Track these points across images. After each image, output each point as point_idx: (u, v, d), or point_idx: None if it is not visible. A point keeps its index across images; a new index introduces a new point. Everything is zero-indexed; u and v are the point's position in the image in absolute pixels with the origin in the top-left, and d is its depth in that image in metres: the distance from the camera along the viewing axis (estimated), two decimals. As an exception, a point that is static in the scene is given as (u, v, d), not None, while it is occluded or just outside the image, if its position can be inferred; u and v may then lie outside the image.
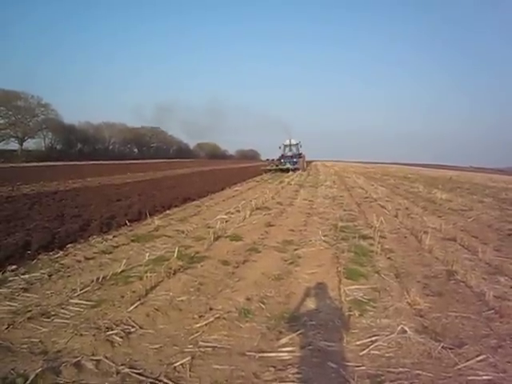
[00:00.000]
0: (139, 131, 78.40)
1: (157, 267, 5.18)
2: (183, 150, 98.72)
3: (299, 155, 33.55)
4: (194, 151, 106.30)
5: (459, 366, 2.97)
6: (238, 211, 10.05)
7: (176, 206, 11.23)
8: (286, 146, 34.25)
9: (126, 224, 8.28)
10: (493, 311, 3.97)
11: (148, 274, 4.65)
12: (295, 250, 6.44)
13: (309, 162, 61.38)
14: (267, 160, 35.53)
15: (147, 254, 5.72)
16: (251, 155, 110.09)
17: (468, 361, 3.03)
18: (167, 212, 10.22)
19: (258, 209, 10.78)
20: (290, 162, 32.42)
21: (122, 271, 5.08)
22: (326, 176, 28.51)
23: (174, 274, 5.01)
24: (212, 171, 33.40)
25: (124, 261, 5.33)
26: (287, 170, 31.03)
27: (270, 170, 31.75)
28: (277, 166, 32.28)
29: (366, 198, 14.11)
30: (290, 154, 33.64)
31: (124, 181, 19.85)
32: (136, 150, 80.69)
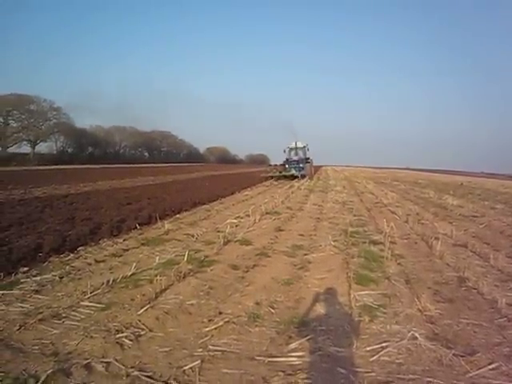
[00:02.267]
0: (150, 135, 78.98)
1: (167, 271, 5.20)
2: (193, 154, 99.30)
3: (306, 160, 29.65)
4: (204, 155, 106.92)
5: (471, 374, 2.93)
6: (248, 215, 10.04)
7: (186, 210, 11.26)
8: (291, 149, 30.15)
9: (136, 227, 8.32)
10: (505, 319, 3.91)
11: (158, 278, 4.68)
12: (305, 254, 6.42)
13: (318, 167, 61.26)
14: (269, 166, 31.43)
15: (157, 258, 5.76)
16: (260, 160, 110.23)
17: (480, 369, 2.99)
18: (177, 216, 10.25)
19: (267, 213, 10.79)
20: (296, 168, 28.59)
21: (132, 274, 5.11)
22: (336, 181, 28.51)
23: (183, 277, 5.03)
24: (222, 175, 33.41)
25: (134, 264, 5.35)
26: (292, 177, 27.66)
27: (272, 178, 28.15)
28: (280, 172, 28.50)
29: (377, 203, 14.04)
30: (295, 158, 29.48)
31: (134, 184, 20.00)
32: (146, 153, 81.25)
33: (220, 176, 32.50)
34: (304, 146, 30.31)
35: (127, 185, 19.68)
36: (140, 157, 76.86)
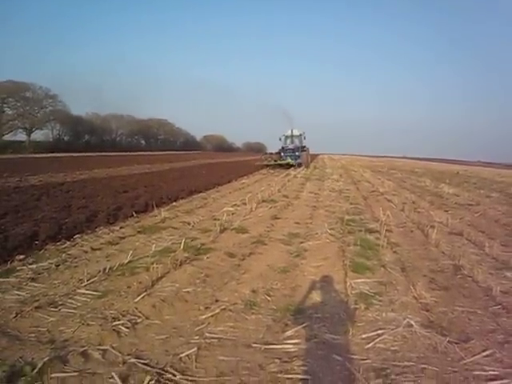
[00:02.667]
0: (146, 123, 78.36)
1: (163, 258, 5.20)
2: (190, 142, 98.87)
3: (302, 148, 29.02)
4: (201, 143, 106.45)
5: (465, 361, 2.96)
6: (244, 204, 10.05)
7: (182, 198, 11.25)
8: (287, 137, 29.59)
9: (132, 215, 8.31)
10: (500, 306, 3.94)
11: (154, 266, 4.67)
12: (301, 242, 6.44)
13: (315, 156, 61.10)
14: (264, 154, 30.58)
15: (153, 246, 5.76)
16: (257, 148, 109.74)
17: (474, 356, 3.02)
18: (174, 204, 10.24)
19: (263, 201, 10.80)
20: (292, 156, 27.93)
21: (129, 262, 5.11)
22: (333, 169, 28.46)
23: (180, 265, 5.02)
24: (218, 163, 33.31)
25: (130, 252, 5.35)
26: (288, 166, 27.03)
27: (267, 166, 27.44)
28: (275, 161, 27.79)
29: (373, 191, 14.07)
30: (291, 146, 28.81)
31: (131, 172, 19.94)
32: (143, 141, 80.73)
33: (217, 164, 32.44)
34: (300, 134, 29.72)
35: (124, 173, 19.60)
36: (137, 145, 76.48)
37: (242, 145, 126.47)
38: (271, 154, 29.72)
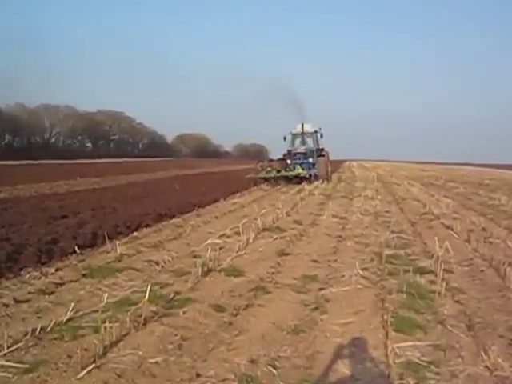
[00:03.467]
0: (94, 117, 78.43)
1: (120, 314, 5.20)
2: (158, 144, 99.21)
3: (319, 152, 27.97)
4: (174, 146, 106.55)
5: None
6: (238, 233, 10.09)
7: (147, 226, 11.31)
8: (295, 135, 28.62)
9: (74, 251, 8.31)
10: None
11: (107, 325, 4.64)
12: (320, 289, 6.50)
13: (339, 163, 61.19)
14: (260, 162, 28.17)
15: (105, 296, 5.77)
16: (255, 152, 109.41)
17: None
18: (135, 234, 10.29)
19: (266, 230, 10.85)
20: (304, 165, 26.68)
21: (70, 320, 5.10)
22: (365, 182, 28.59)
23: (144, 324, 5.02)
24: (200, 175, 33.44)
25: (72, 305, 5.35)
26: (298, 179, 26.29)
27: (265, 180, 26.03)
28: (278, 171, 26.17)
29: (424, 214, 14.14)
30: (302, 149, 27.55)
31: (72, 189, 19.99)
32: (89, 144, 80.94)
33: (197, 176, 32.59)
34: (315, 132, 28.85)
35: (61, 189, 19.70)
36: (80, 148, 76.70)
37: (234, 148, 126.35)
38: (271, 160, 28.23)
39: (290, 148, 28.05)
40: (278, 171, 26.27)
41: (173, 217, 12.92)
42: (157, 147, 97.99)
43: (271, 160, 28.32)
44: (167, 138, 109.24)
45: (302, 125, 28.72)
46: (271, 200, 17.91)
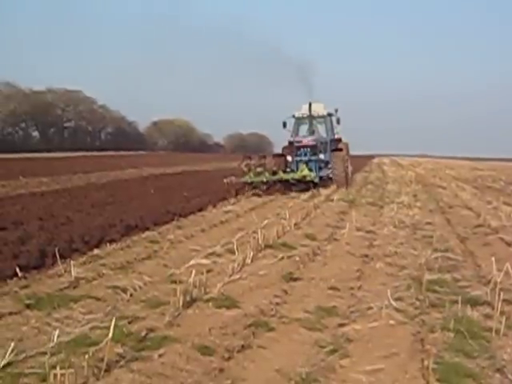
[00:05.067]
0: (43, 98, 74.11)
1: (75, 358, 4.78)
2: (127, 133, 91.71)
3: (334, 144, 23.77)
4: (148, 136, 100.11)
5: None
6: (232, 251, 9.52)
7: (112, 242, 10.58)
8: (299, 119, 23.94)
9: (15, 275, 7.76)
10: None
11: (57, 371, 4.20)
12: (340, 326, 6.01)
13: (363, 160, 59.60)
14: (246, 158, 22.12)
15: (56, 333, 5.25)
16: (254, 144, 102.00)
17: None
18: (95, 252, 9.65)
19: (268, 247, 10.20)
20: (312, 163, 21.91)
21: (8, 364, 4.66)
22: (400, 185, 26.82)
23: (107, 370, 4.59)
24: (182, 175, 32.65)
25: (12, 345, 4.84)
26: (305, 185, 21.66)
27: (253, 187, 20.75)
28: (274, 172, 21.42)
29: (478, 226, 13.18)
30: (309, 140, 22.53)
31: (13, 192, 18.84)
32: (36, 132, 76.60)
33: (178, 176, 31.85)
34: (330, 115, 24.28)
35: None
36: (24, 139, 72.47)
37: (225, 138, 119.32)
38: (263, 157, 23.00)
39: (292, 138, 23.42)
40: (274, 173, 21.44)
41: (146, 229, 12.04)
42: (125, 137, 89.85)
43: (263, 156, 23.02)
44: (139, 125, 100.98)
45: (310, 105, 23.26)
46: (275, 207, 16.91)
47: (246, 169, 21.44)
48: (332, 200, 18.79)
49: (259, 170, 21.36)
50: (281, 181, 21.34)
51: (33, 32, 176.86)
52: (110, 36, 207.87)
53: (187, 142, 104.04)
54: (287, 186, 21.57)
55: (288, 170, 22.15)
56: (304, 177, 20.88)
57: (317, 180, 21.58)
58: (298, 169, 21.56)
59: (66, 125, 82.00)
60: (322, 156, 22.44)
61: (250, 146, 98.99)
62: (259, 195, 20.36)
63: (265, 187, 21.04)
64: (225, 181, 20.29)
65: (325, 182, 22.46)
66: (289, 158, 22.63)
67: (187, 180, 27.83)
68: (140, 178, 28.95)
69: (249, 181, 20.78)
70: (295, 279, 8.04)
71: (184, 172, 35.35)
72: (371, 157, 76.80)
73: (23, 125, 74.51)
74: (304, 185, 21.53)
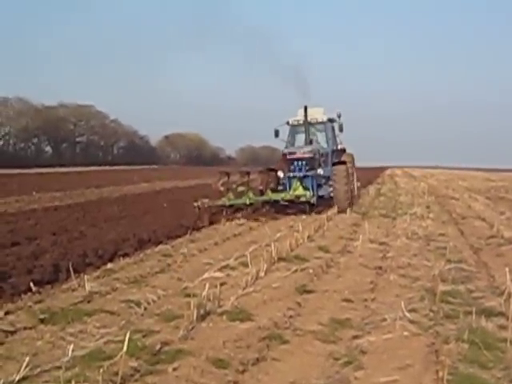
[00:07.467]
0: (55, 113, 73.87)
1: (89, 372, 4.78)
2: (139, 147, 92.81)
3: (337, 155, 20.58)
4: (160, 150, 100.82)
5: None
6: (245, 264, 9.49)
7: (126, 256, 10.61)
8: (294, 127, 20.67)
9: (29, 289, 7.79)
10: None
11: None
12: (355, 338, 5.98)
13: (375, 171, 59.00)
14: (223, 177, 17.79)
15: (70, 347, 5.24)
16: (265, 157, 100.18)
17: None
18: (108, 266, 9.69)
19: (281, 259, 10.20)
20: (307, 180, 18.00)
21: (24, 379, 4.66)
22: (413, 196, 26.71)
23: None
24: (194, 188, 32.39)
25: (26, 359, 4.85)
26: (298, 206, 18.11)
27: (230, 210, 17.18)
28: (261, 192, 18.12)
29: (492, 237, 13.07)
30: (305, 151, 18.65)
31: (26, 207, 18.96)
32: (49, 148, 76.44)
33: (190, 189, 31.49)
34: (330, 120, 21.00)
35: (12, 208, 18.73)
36: (37, 154, 72.37)
37: (237, 152, 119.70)
38: (246, 173, 18.58)
39: (286, 150, 19.81)
40: (261, 192, 18.34)
41: (159, 243, 12.03)
42: (137, 152, 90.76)
43: (246, 173, 18.56)
44: (151, 139, 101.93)
45: (305, 109, 19.43)
46: (288, 220, 16.93)
47: (222, 188, 17.63)
48: (344, 213, 18.60)
49: (241, 189, 17.68)
50: (269, 202, 17.76)
51: (44, 48, 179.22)
52: (120, 53, 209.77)
53: (200, 156, 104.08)
54: (279, 209, 18.05)
55: (279, 188, 18.84)
56: (297, 197, 17.15)
57: (314, 200, 17.30)
58: (290, 187, 17.88)
59: (78, 139, 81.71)
60: (320, 171, 18.51)
61: (261, 159, 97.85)
62: (241, 221, 16.17)
63: (250, 210, 17.29)
64: (195, 204, 16.26)
65: (327, 201, 18.70)
66: (280, 174, 19.05)
67: (200, 193, 27.56)
68: (153, 192, 29.04)
69: (227, 203, 17.00)
70: (309, 291, 8.03)
71: (196, 185, 35.13)
72: (384, 168, 76.56)
73: (35, 140, 74.57)
74: (301, 206, 17.85)
